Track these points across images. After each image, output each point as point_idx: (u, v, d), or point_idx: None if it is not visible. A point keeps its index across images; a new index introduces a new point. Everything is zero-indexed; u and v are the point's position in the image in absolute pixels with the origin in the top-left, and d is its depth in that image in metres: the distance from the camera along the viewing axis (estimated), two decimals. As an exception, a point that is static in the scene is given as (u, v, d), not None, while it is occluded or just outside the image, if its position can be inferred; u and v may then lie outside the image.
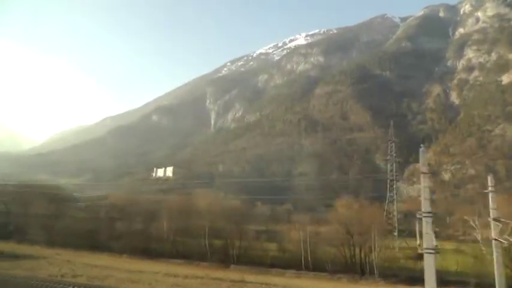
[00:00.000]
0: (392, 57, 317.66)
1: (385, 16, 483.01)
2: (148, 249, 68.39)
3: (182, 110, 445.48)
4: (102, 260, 60.27)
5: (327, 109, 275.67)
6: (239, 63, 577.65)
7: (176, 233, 70.43)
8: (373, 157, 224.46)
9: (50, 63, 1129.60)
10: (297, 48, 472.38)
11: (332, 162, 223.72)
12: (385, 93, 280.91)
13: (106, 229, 73.96)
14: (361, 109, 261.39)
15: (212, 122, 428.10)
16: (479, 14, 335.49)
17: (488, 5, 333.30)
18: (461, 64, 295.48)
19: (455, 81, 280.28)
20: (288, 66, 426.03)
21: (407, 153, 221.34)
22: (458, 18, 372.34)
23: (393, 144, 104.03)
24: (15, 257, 57.34)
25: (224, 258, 62.07)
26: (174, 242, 69.97)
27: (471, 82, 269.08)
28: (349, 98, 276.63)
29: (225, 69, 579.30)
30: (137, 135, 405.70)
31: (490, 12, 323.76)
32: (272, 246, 66.02)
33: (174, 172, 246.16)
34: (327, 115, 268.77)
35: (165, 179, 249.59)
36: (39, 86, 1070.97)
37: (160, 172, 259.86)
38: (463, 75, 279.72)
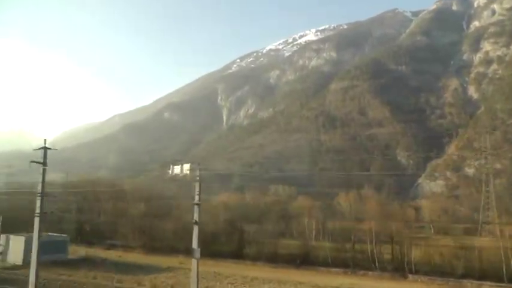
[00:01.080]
0: (407, 52, 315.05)
1: (396, 11, 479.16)
2: (284, 256, 62.72)
3: (193, 106, 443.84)
4: (246, 270, 55.52)
5: (344, 104, 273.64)
6: (249, 60, 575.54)
7: (324, 237, 65.65)
8: (394, 152, 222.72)
9: (57, 61, 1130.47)
10: (309, 43, 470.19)
11: (353, 158, 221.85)
12: (402, 88, 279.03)
13: (225, 234, 68.93)
14: (379, 104, 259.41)
15: (224, 118, 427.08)
16: (495, 6, 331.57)
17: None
18: (478, 57, 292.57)
19: (472, 75, 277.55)
20: (300, 62, 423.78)
21: (429, 148, 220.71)
22: (472, 11, 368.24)
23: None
24: (140, 267, 54.05)
25: (397, 267, 56.68)
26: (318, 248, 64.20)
27: (490, 76, 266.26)
28: (366, 93, 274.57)
29: (235, 65, 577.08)
30: (149, 133, 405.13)
31: (506, 5, 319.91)
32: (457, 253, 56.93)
33: (191, 169, 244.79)
34: (344, 110, 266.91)
35: (183, 176, 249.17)
36: (47, 84, 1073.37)
37: (177, 169, 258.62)
38: (481, 69, 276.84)
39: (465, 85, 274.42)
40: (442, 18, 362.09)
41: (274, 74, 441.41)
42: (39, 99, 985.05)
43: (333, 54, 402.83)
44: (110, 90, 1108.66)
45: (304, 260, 60.50)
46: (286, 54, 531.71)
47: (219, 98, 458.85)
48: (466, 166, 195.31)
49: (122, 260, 61.04)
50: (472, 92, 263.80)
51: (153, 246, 68.91)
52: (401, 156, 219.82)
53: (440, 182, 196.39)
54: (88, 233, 77.52)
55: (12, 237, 57.21)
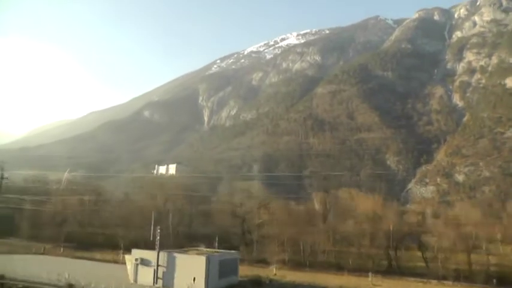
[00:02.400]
0: (393, 58, 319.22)
1: (379, 18, 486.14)
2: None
3: (174, 106, 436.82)
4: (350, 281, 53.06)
5: (332, 108, 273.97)
6: (229, 61, 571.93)
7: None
8: (384, 157, 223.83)
9: (26, 55, 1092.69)
10: (292, 47, 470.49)
11: (343, 162, 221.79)
12: (389, 94, 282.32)
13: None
14: (367, 109, 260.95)
15: (206, 119, 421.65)
16: (476, 18, 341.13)
17: (484, 10, 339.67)
18: (461, 67, 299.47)
19: (457, 84, 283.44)
20: (284, 65, 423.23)
21: (418, 154, 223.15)
22: (454, 22, 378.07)
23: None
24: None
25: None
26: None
27: (474, 85, 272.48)
28: (354, 98, 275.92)
29: (215, 66, 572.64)
30: (128, 131, 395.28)
31: (486, 17, 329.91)
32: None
33: (177, 169, 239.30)
34: (332, 114, 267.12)
35: (169, 177, 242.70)
36: (15, 78, 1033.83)
37: (162, 169, 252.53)
38: (465, 78, 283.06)
39: (450, 93, 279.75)
40: (425, 27, 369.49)
41: (257, 76, 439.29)
42: (6, 94, 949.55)
43: (317, 58, 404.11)
44: (83, 87, 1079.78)
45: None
46: (268, 56, 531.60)
47: (200, 98, 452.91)
48: (456, 172, 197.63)
49: (289, 280, 53.95)
50: (457, 99, 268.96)
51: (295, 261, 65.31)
52: (391, 161, 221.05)
53: (431, 188, 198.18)
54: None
55: (179, 255, 46.17)
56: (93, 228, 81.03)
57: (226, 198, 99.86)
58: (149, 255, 46.08)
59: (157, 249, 45.40)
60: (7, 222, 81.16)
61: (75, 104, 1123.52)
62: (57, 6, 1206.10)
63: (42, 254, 66.93)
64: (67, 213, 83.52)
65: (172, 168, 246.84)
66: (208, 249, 53.88)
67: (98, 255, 65.78)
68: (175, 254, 46.02)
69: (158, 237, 45.44)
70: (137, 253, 47.12)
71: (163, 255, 45.24)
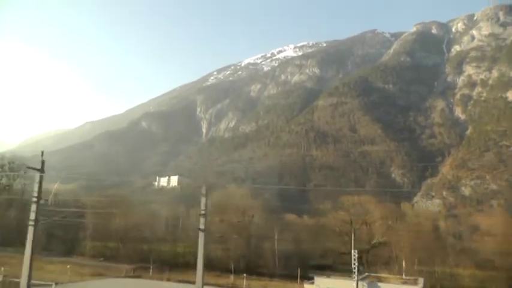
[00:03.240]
0: (393, 71, 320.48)
1: (376, 31, 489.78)
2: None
3: (171, 117, 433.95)
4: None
5: (334, 121, 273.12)
6: (226, 73, 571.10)
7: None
8: (389, 170, 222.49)
9: (20, 62, 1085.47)
10: (291, 59, 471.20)
11: (348, 175, 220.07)
12: (390, 107, 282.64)
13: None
14: (369, 121, 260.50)
15: (204, 130, 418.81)
16: (474, 32, 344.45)
17: (482, 24, 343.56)
18: (461, 80, 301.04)
19: (457, 97, 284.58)
20: (283, 77, 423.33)
21: (423, 167, 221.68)
22: (452, 36, 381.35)
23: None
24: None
25: None
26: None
27: (475, 98, 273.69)
28: (355, 110, 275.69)
29: (212, 78, 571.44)
30: (125, 141, 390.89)
31: (485, 31, 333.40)
32: None
33: (179, 181, 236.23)
34: (335, 127, 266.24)
35: (171, 188, 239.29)
36: (9, 86, 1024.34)
37: (163, 181, 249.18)
38: (465, 91, 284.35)
39: (451, 106, 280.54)
40: (423, 41, 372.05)
41: (255, 87, 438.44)
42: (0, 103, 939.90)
43: (316, 70, 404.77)
44: (78, 97, 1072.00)
45: None
46: (265, 68, 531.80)
47: (198, 109, 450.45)
48: (462, 186, 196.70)
49: None
50: (459, 113, 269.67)
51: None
52: (396, 174, 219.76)
53: (437, 201, 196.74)
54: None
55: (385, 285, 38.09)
56: (149, 244, 73.39)
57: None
58: (341, 284, 38.18)
59: (356, 277, 35.84)
60: (57, 238, 73.79)
61: (71, 113, 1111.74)
62: (53, 15, 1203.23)
63: (137, 277, 58.31)
64: (117, 228, 75.37)
65: (174, 180, 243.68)
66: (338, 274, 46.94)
67: (192, 277, 53.05)
68: (380, 284, 38.25)
69: (355, 261, 35.33)
70: (324, 282, 38.72)
71: (362, 285, 36.82)
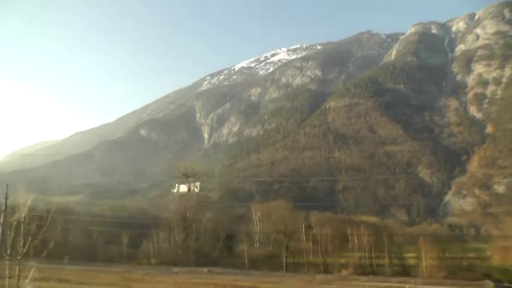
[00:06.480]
0: (402, 72, 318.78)
1: (371, 32, 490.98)
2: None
3: (171, 124, 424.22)
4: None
5: (350, 122, 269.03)
6: (220, 77, 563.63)
7: None
8: (416, 170, 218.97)
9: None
10: (291, 61, 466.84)
11: (375, 176, 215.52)
12: (405, 107, 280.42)
13: None
14: (388, 122, 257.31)
15: (206, 136, 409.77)
16: (478, 31, 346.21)
17: (486, 22, 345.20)
18: (471, 79, 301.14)
19: (470, 95, 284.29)
20: (283, 80, 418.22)
21: (450, 166, 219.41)
22: (453, 36, 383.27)
23: None
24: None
25: None
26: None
27: (489, 96, 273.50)
28: (371, 111, 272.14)
29: (206, 82, 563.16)
30: (126, 150, 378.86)
31: (490, 30, 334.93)
32: None
33: (201, 188, 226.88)
34: (353, 128, 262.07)
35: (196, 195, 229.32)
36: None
37: (183, 188, 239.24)
38: (478, 90, 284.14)
39: (464, 105, 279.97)
40: (426, 41, 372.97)
41: (255, 91, 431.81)
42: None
43: (318, 72, 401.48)
44: (61, 107, 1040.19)
45: None
46: (261, 72, 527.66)
47: (198, 115, 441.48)
48: (495, 184, 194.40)
49: None
50: (474, 111, 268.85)
51: None
52: (424, 174, 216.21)
53: (470, 200, 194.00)
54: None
55: None
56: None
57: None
58: None
59: None
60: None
61: (56, 124, 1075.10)
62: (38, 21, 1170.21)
63: None
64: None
65: (196, 186, 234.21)
66: None
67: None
68: None
69: None
70: None
71: None
